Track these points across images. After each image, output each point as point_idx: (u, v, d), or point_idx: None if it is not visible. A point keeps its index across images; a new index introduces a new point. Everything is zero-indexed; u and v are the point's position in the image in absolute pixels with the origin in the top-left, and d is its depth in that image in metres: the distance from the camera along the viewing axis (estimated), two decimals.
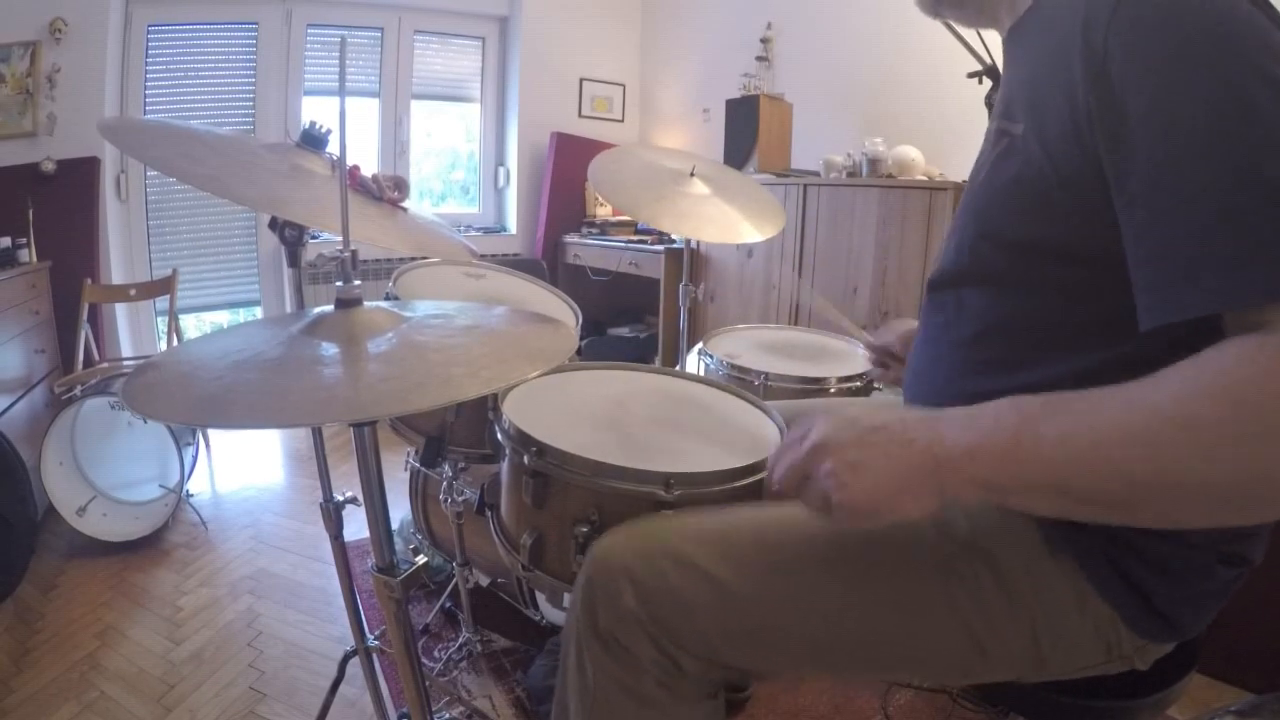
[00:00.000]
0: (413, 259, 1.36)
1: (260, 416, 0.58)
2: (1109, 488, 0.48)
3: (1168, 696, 0.75)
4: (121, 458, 2.29)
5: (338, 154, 0.91)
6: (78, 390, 2.12)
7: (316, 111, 3.47)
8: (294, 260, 1.04)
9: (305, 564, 2.11)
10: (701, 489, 0.77)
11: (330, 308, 0.73)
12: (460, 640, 1.67)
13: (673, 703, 0.67)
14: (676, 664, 0.66)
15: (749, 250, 2.99)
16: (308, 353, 0.66)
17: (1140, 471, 0.47)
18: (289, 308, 1.30)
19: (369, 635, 1.19)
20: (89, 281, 2.74)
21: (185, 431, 2.27)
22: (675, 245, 3.35)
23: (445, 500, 1.49)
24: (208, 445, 2.82)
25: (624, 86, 4.37)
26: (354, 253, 0.76)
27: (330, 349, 0.67)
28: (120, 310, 3.16)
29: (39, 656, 1.66)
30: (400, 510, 1.93)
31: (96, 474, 2.24)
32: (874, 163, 2.54)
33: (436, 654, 1.66)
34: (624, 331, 3.94)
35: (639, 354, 3.71)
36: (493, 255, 3.90)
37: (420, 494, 1.75)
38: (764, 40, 3.41)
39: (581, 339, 1.27)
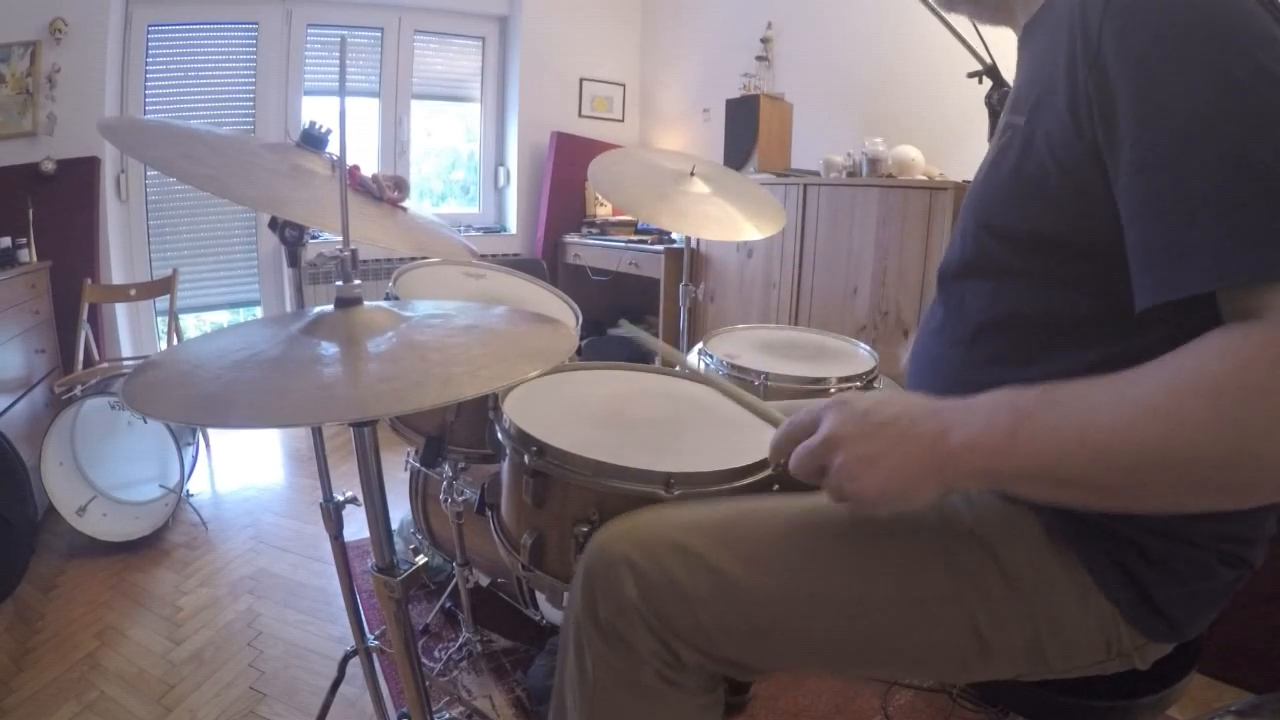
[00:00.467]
0: (413, 259, 1.36)
1: (260, 416, 0.58)
2: (1104, 477, 0.49)
3: (1168, 696, 0.75)
4: (121, 458, 2.29)
5: (338, 154, 0.91)
6: (78, 390, 2.12)
7: (316, 111, 3.47)
8: (294, 260, 1.04)
9: (305, 564, 2.11)
10: (702, 488, 0.77)
11: (330, 307, 0.73)
12: (460, 640, 1.67)
13: (672, 695, 0.67)
14: (676, 656, 0.66)
15: (749, 250, 2.99)
16: (307, 352, 0.66)
17: (1130, 461, 0.48)
18: (289, 307, 1.31)
19: (369, 635, 1.19)
20: (89, 281, 2.74)
21: (185, 431, 2.27)
22: (675, 245, 3.34)
23: (445, 500, 1.49)
24: (208, 445, 2.82)
25: (624, 86, 4.36)
26: (354, 252, 0.76)
27: (330, 349, 0.67)
28: (120, 310, 3.16)
29: (39, 656, 1.66)
30: (400, 510, 1.93)
31: (96, 474, 2.23)
32: (874, 163, 2.54)
33: (436, 654, 1.66)
34: (624, 331, 3.93)
35: (639, 354, 3.71)
36: (493, 255, 3.90)
37: (420, 494, 1.75)
38: (764, 40, 3.41)
39: (581, 339, 1.27)
